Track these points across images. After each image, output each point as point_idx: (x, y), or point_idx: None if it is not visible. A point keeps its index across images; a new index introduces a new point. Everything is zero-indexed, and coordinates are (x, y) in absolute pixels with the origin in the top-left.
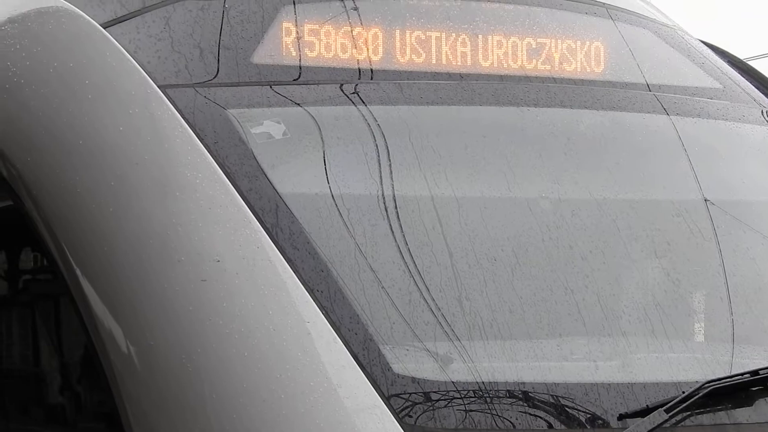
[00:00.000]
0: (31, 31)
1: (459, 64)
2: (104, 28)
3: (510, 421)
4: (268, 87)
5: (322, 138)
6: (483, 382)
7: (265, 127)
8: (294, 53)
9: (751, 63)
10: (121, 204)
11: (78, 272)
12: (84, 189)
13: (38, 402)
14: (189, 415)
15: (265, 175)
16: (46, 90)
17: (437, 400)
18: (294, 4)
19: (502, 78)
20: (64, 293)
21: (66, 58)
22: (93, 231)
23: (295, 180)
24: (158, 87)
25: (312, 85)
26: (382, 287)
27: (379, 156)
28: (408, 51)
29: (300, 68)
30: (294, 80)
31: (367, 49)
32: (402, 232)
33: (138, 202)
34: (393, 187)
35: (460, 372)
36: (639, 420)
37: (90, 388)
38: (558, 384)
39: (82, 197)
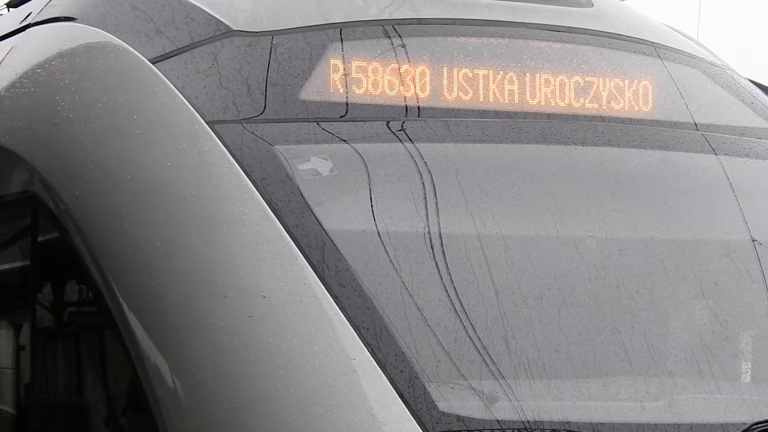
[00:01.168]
0: (80, 66)
1: (506, 102)
2: (153, 64)
3: None
4: (315, 123)
5: (368, 175)
6: (528, 421)
7: (312, 164)
8: (341, 90)
9: None
10: (168, 239)
11: (125, 306)
12: (131, 224)
13: None
14: None
15: (312, 212)
16: (95, 125)
17: None
18: (342, 41)
19: (549, 116)
20: (110, 327)
21: (115, 93)
22: (140, 266)
23: (341, 217)
24: (206, 123)
25: (359, 122)
26: (428, 325)
27: (425, 193)
28: (455, 88)
29: (347, 105)
30: (341, 117)
31: (415, 87)
32: (448, 270)
33: (185, 238)
34: (439, 225)
35: (505, 410)
36: None
37: (135, 422)
38: (604, 424)
39: (129, 232)
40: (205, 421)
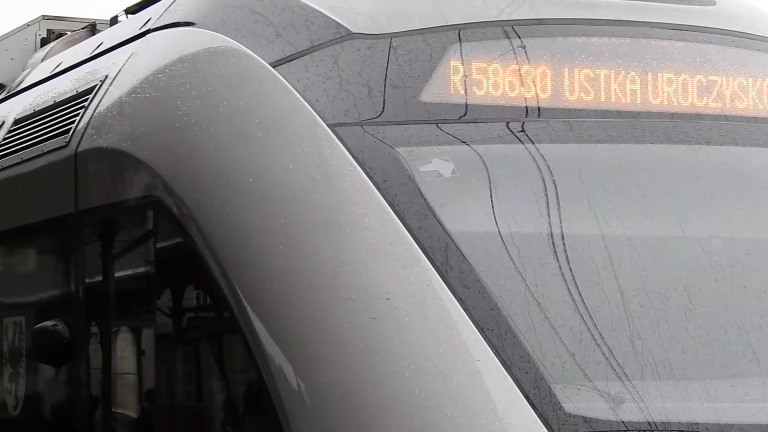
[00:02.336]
0: (200, 70)
1: (628, 101)
2: (273, 67)
3: None
4: (436, 125)
5: (490, 176)
6: (655, 422)
7: (433, 165)
8: (462, 91)
9: None
10: (290, 242)
11: (248, 310)
12: (254, 227)
13: None
14: None
15: (435, 214)
16: (216, 129)
17: None
18: (461, 42)
19: (672, 116)
20: (234, 331)
21: (235, 97)
22: (263, 269)
23: (464, 218)
24: (327, 125)
25: (480, 123)
26: (553, 326)
27: (547, 194)
28: (577, 89)
29: (468, 106)
30: (462, 118)
31: (536, 87)
32: (571, 271)
33: (308, 240)
34: (562, 226)
35: (631, 412)
36: None
37: (259, 425)
38: (732, 425)
39: (252, 235)
40: (329, 423)
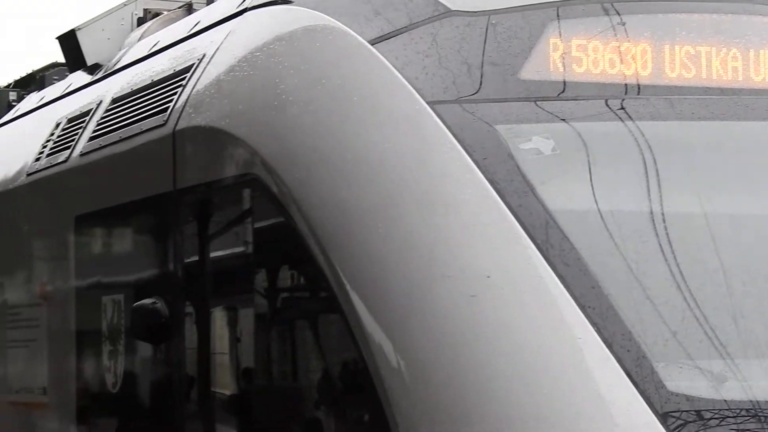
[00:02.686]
0: (299, 48)
1: (730, 79)
2: (371, 45)
3: None
4: (535, 103)
5: (590, 154)
6: (758, 401)
7: (533, 143)
8: (561, 69)
9: None
10: (390, 220)
11: (348, 288)
12: (353, 205)
13: (308, 417)
14: (459, 429)
15: (535, 192)
16: (314, 107)
17: (710, 419)
18: (560, 19)
19: None
20: (333, 309)
21: (334, 75)
22: (362, 247)
23: (564, 196)
24: (426, 103)
25: (580, 101)
26: (654, 304)
27: (647, 172)
28: (677, 66)
29: (567, 84)
30: (561, 96)
31: (636, 64)
32: (673, 249)
33: (407, 218)
34: (663, 204)
35: (735, 390)
36: None
37: (359, 403)
38: None
39: (351, 214)
40: (429, 400)
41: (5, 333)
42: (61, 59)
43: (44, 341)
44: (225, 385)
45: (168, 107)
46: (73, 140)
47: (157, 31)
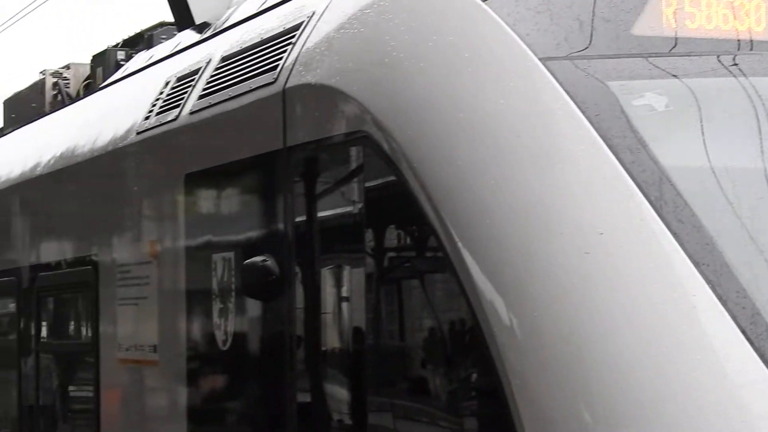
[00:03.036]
0: (409, 5)
1: None
2: (482, 1)
3: None
4: (647, 59)
5: (704, 110)
6: None
7: (646, 100)
8: (674, 24)
9: None
10: (502, 177)
11: (460, 245)
12: (465, 162)
13: (419, 376)
14: (573, 388)
15: (648, 148)
16: (426, 64)
17: None
18: None
19: None
20: (444, 267)
21: (445, 31)
22: (475, 204)
23: (678, 153)
24: (538, 59)
25: (693, 57)
26: None
27: (761, 128)
28: None
29: (680, 39)
30: (673, 51)
31: (749, 20)
32: None
33: (520, 175)
34: None
35: None
36: None
37: (471, 360)
38: None
39: (463, 171)
40: (542, 357)
41: (115, 291)
42: (169, 18)
43: (154, 299)
44: (335, 343)
45: (278, 65)
46: (182, 99)
47: None
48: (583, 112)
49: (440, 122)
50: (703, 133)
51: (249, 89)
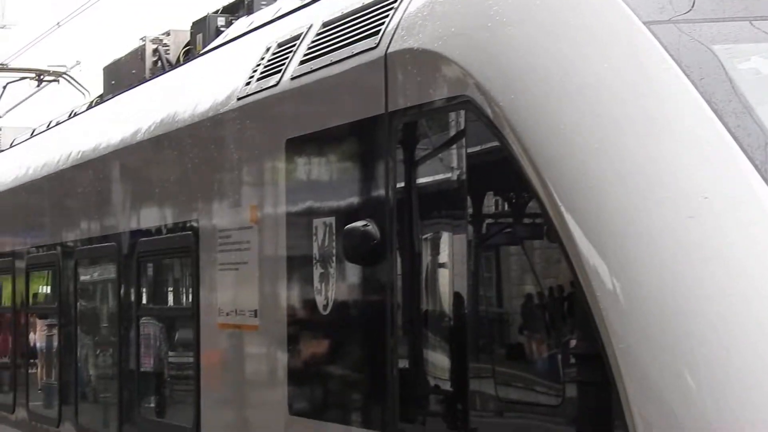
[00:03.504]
0: None
1: None
2: None
3: None
4: (750, 23)
5: None
6: None
7: (752, 63)
8: None
9: None
10: (606, 140)
11: (562, 209)
12: (569, 126)
13: (520, 342)
14: (676, 353)
15: (754, 113)
16: (529, 28)
17: None
18: None
19: None
20: (547, 231)
21: None
22: (578, 168)
23: None
24: (642, 23)
25: None
26: None
27: None
28: None
29: None
30: None
31: None
32: None
33: (623, 139)
34: None
35: None
36: None
37: (572, 324)
38: None
39: (566, 135)
40: (645, 321)
41: (215, 256)
42: None
43: (255, 264)
44: (435, 309)
45: (379, 30)
46: (283, 64)
47: None
48: (688, 76)
49: (544, 87)
50: None
51: (350, 54)
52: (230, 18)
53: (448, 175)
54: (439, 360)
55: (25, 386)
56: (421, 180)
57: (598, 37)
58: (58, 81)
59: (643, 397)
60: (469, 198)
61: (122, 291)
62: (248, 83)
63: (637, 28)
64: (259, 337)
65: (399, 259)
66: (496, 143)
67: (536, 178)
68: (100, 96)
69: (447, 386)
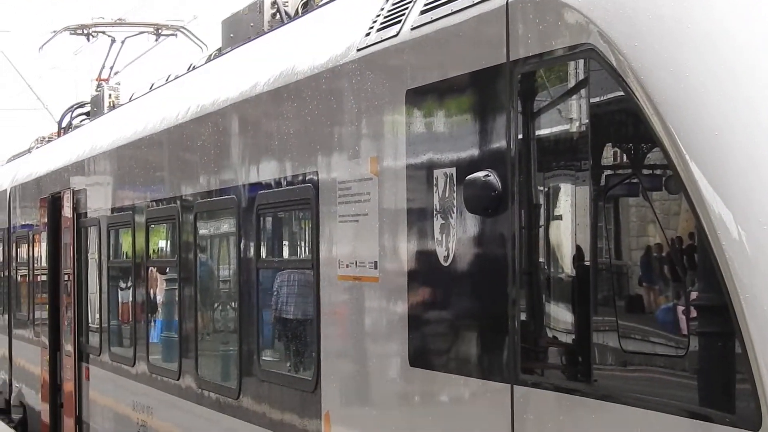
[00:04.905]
0: None
1: None
2: None
3: None
4: None
5: None
6: None
7: None
8: None
9: None
10: (731, 89)
11: (687, 158)
12: (694, 75)
13: (643, 294)
14: None
15: None
16: None
17: None
18: None
19: None
20: (673, 179)
21: None
22: (704, 118)
23: None
24: None
25: None
26: None
27: None
28: None
29: None
30: None
31: None
32: None
33: (750, 87)
34: None
35: None
36: None
37: (697, 276)
38: None
39: (691, 81)
40: None
41: (335, 208)
42: None
43: (375, 216)
44: (557, 260)
45: None
46: (403, 14)
47: None
48: None
49: (668, 34)
50: None
51: (472, 3)
52: None
53: (570, 124)
54: (560, 312)
55: (144, 340)
56: (542, 130)
57: None
58: (175, 35)
59: None
60: (592, 148)
61: (241, 244)
62: (368, 34)
63: None
64: (379, 289)
65: (520, 210)
66: (619, 92)
67: (660, 127)
68: (219, 49)
69: (568, 338)
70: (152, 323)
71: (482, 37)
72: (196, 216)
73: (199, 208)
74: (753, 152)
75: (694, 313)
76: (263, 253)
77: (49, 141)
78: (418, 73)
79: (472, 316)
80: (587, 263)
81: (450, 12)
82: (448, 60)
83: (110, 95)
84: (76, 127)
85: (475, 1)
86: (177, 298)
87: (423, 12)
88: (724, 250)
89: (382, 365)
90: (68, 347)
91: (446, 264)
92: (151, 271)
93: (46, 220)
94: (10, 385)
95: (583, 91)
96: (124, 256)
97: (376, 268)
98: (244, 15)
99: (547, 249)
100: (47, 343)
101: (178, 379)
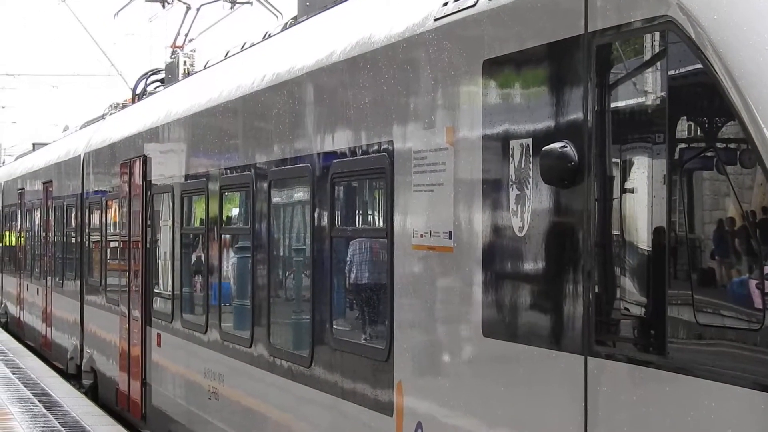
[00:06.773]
0: None
1: None
2: None
3: None
4: None
5: None
6: None
7: None
8: None
9: None
10: None
11: (766, 132)
12: None
13: (719, 269)
14: None
15: None
16: None
17: None
18: None
19: None
20: (752, 156)
21: None
22: None
23: None
24: None
25: None
26: None
27: None
28: None
29: None
30: None
31: None
32: None
33: None
34: None
35: None
36: None
37: None
38: None
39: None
40: None
41: (410, 177)
42: None
43: (450, 186)
44: (633, 233)
45: None
46: None
47: None
48: None
49: (748, 7)
50: None
51: None
52: None
53: (647, 97)
54: (634, 284)
55: (217, 307)
56: (619, 102)
57: None
58: (251, 3)
59: None
60: (670, 122)
61: (315, 212)
62: (446, 4)
63: None
64: (453, 259)
65: (596, 182)
66: (698, 65)
67: (740, 102)
68: (295, 18)
69: (642, 311)
70: (224, 291)
71: (560, 8)
72: (270, 184)
73: (273, 176)
74: None
75: None
76: (337, 222)
77: (123, 107)
78: (495, 44)
79: (546, 287)
80: (662, 236)
81: None
82: (525, 31)
83: (185, 62)
84: (151, 93)
85: None
86: (250, 266)
87: None
88: None
89: (454, 335)
90: (135, 312)
91: (521, 235)
92: (224, 238)
93: (127, 184)
94: (81, 350)
95: (660, 64)
96: (198, 224)
97: (450, 238)
98: None
99: (621, 221)
100: (126, 311)
101: (250, 347)
